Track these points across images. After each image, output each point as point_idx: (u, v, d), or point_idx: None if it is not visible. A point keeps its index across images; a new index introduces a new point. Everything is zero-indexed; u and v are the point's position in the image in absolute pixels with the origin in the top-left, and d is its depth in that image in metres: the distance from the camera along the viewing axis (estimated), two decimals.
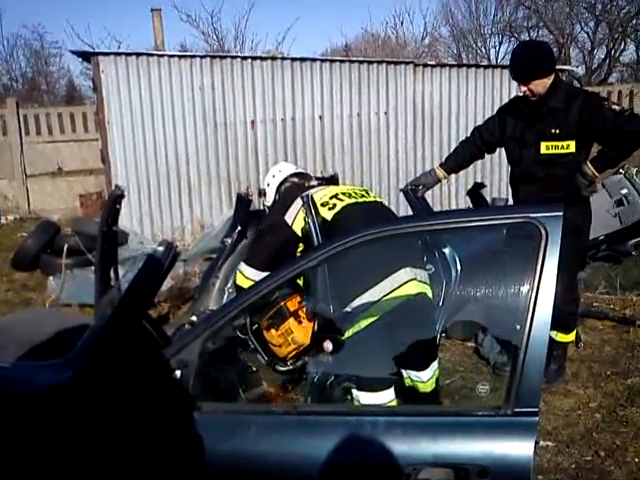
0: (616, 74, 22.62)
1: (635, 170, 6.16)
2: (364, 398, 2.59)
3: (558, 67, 10.17)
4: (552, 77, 3.40)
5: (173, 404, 1.75)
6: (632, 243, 5.53)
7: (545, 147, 3.42)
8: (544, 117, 3.43)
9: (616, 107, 3.32)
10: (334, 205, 2.87)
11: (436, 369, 2.89)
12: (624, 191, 5.84)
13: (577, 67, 20.94)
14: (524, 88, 3.40)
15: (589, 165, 3.32)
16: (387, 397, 2.61)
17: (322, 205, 2.89)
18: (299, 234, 2.93)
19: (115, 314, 1.89)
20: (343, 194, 2.97)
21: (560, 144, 3.38)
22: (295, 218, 2.94)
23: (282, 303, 2.77)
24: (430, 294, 2.73)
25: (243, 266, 3.01)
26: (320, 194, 2.97)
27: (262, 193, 3.47)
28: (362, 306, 2.58)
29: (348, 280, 2.52)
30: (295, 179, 3.39)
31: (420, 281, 2.68)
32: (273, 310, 2.76)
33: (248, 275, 2.94)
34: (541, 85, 3.36)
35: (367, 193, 3.13)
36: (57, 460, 1.69)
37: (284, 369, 2.84)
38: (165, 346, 1.94)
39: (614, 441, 3.10)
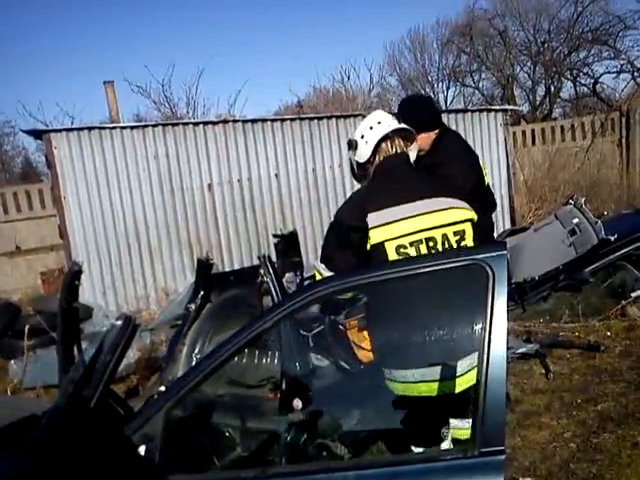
0: (559, 109, 23.68)
1: (583, 199, 6.39)
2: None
3: (503, 107, 10.61)
4: (437, 131, 3.31)
5: None
6: (589, 270, 5.68)
7: None
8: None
9: None
10: (405, 255, 2.41)
11: None
12: (575, 220, 6.03)
13: (521, 105, 21.90)
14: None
15: None
16: None
17: (399, 246, 2.42)
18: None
19: (74, 395, 1.86)
20: (428, 243, 2.45)
21: None
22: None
23: None
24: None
25: (317, 263, 2.71)
26: (408, 226, 2.44)
27: (352, 145, 2.75)
28: None
29: None
30: (400, 141, 2.68)
31: None
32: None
33: (325, 274, 2.63)
34: (427, 140, 3.25)
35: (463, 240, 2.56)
36: None
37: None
38: (130, 421, 1.91)
39: (591, 470, 3.13)
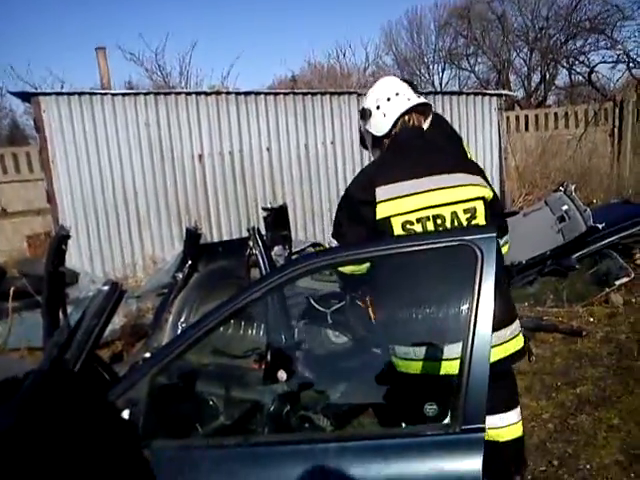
0: (554, 96, 23.66)
1: (574, 187, 6.43)
2: None
3: (498, 92, 10.56)
4: None
5: (121, 443, 1.73)
6: (575, 257, 5.74)
7: None
8: None
9: None
10: (410, 231, 2.35)
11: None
12: (565, 207, 6.09)
13: (516, 91, 21.86)
14: None
15: None
16: None
17: (405, 222, 2.35)
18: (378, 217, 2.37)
19: (58, 358, 1.86)
20: (436, 221, 2.37)
21: None
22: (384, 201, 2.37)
23: None
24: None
25: (332, 239, 2.60)
26: (416, 202, 2.36)
27: (366, 114, 2.59)
28: None
29: None
30: (416, 115, 2.57)
31: None
32: None
33: None
34: None
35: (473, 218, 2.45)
36: None
37: None
38: (114, 385, 1.91)
39: (566, 450, 3.19)
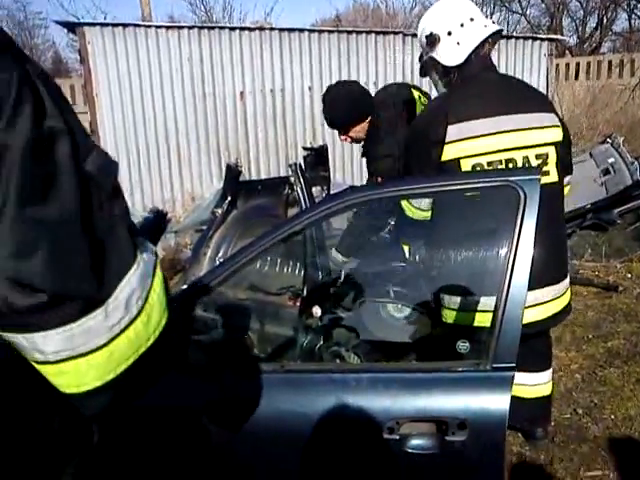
0: (609, 44, 22.56)
1: (622, 139, 6.21)
2: None
3: (550, 36, 10.11)
4: (369, 118, 3.13)
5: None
6: (617, 212, 5.59)
7: None
8: None
9: None
10: None
11: None
12: (611, 160, 5.89)
13: (569, 37, 20.87)
14: (343, 137, 3.23)
15: None
16: None
17: (476, 164, 2.20)
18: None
19: None
20: (508, 165, 2.23)
21: None
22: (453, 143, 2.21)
23: None
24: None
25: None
26: (489, 143, 2.21)
27: (434, 40, 2.33)
28: None
29: None
30: (488, 45, 2.36)
31: None
32: None
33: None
34: (362, 130, 3.16)
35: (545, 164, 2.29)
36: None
37: None
38: None
39: (592, 400, 3.22)
